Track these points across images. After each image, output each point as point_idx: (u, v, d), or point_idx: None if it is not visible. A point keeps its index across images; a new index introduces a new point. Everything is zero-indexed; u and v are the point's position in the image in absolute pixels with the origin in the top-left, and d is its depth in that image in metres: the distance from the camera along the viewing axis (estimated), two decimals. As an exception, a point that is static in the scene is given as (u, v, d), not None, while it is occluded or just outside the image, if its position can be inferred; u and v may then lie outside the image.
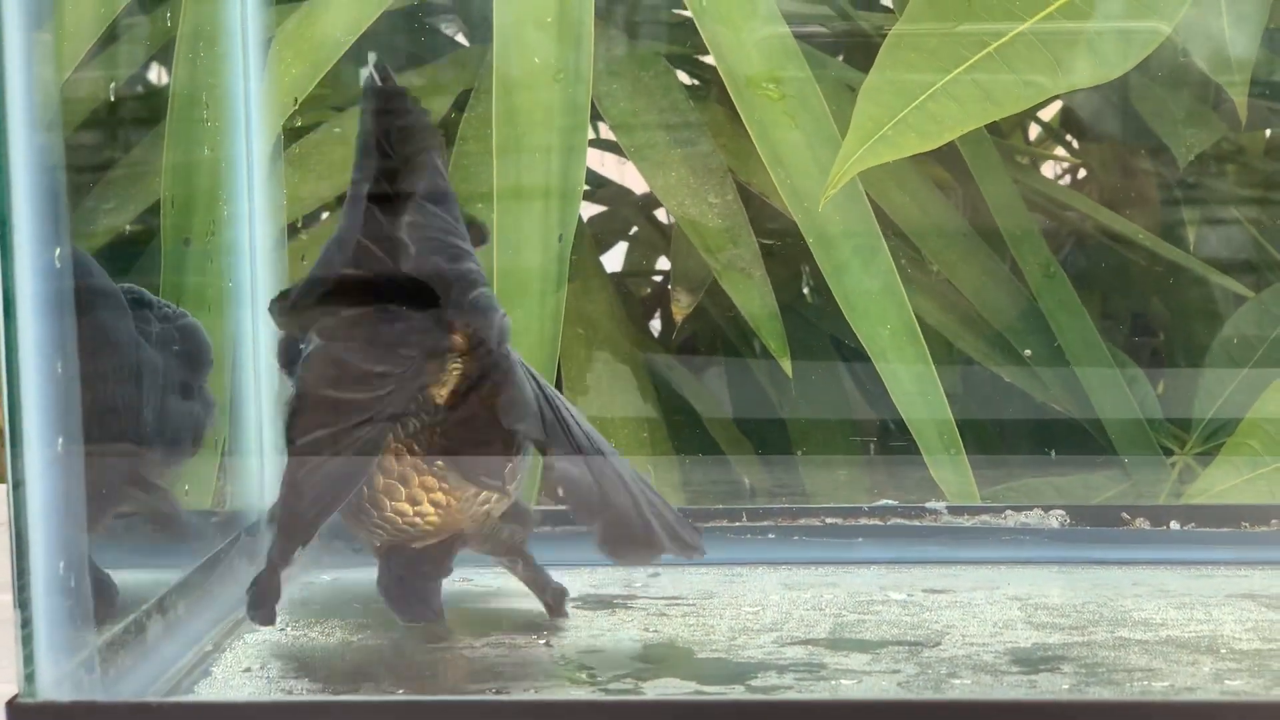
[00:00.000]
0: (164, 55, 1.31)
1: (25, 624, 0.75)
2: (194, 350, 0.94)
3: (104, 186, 1.28)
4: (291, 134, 1.30)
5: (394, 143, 0.88)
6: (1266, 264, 1.53)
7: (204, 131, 1.11)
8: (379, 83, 0.90)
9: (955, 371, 1.47)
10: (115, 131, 1.30)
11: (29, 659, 0.75)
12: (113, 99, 1.24)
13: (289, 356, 0.92)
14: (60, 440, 0.75)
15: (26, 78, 0.75)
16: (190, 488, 0.97)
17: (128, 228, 1.26)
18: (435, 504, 0.88)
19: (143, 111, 1.32)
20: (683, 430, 1.47)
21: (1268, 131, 1.56)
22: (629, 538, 0.86)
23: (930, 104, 1.15)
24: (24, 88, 0.75)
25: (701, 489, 1.46)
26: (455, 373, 0.87)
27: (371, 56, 0.94)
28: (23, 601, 0.75)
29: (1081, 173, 1.77)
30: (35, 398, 0.75)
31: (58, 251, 0.76)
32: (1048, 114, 1.77)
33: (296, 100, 1.19)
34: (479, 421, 0.87)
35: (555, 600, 0.93)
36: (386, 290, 0.86)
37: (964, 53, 1.15)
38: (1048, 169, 1.80)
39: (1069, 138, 1.78)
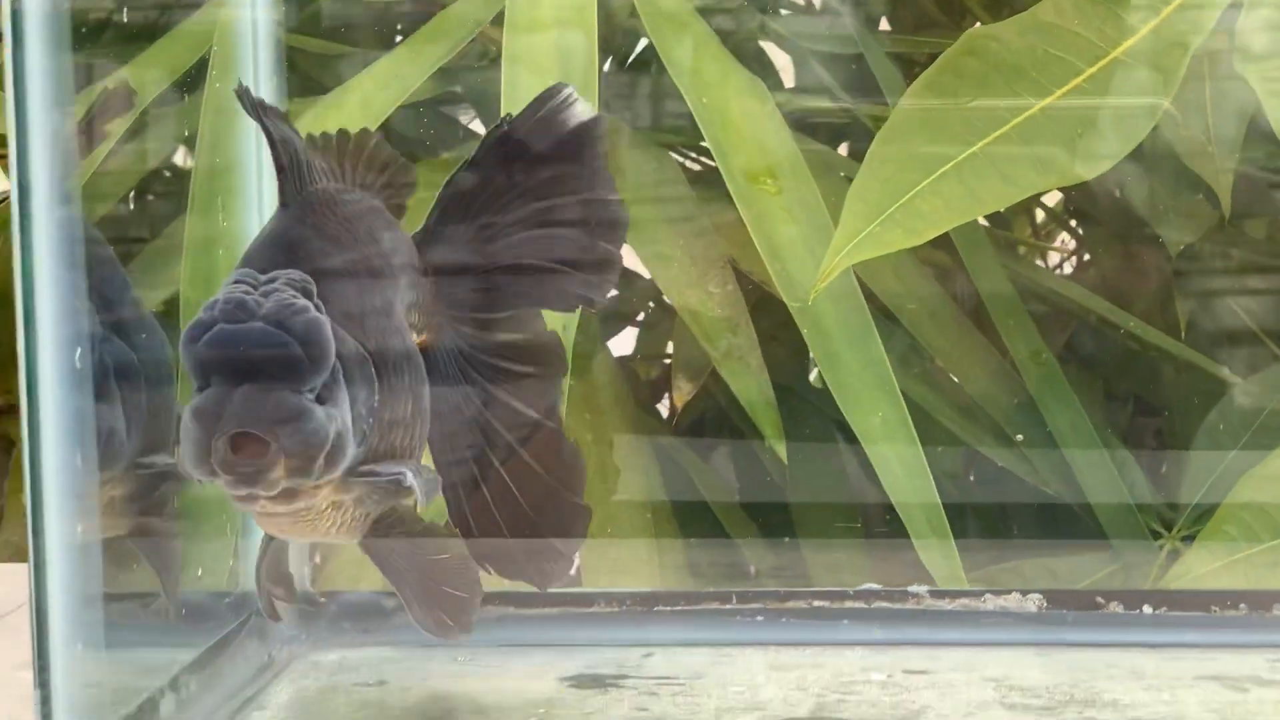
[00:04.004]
0: (189, 141, 1.37)
1: (44, 701, 0.80)
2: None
3: (134, 268, 1.34)
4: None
5: None
6: (1258, 347, 1.57)
7: (219, 220, 1.17)
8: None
9: (955, 454, 1.52)
10: (144, 213, 1.36)
11: (48, 736, 0.80)
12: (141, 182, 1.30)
13: None
14: (79, 528, 0.81)
15: (51, 152, 0.80)
16: (203, 571, 1.02)
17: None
18: None
19: (171, 195, 1.38)
20: (688, 512, 1.51)
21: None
22: None
23: (916, 202, 1.20)
24: (48, 162, 0.80)
25: (705, 571, 1.50)
26: None
27: None
28: (42, 681, 0.80)
29: (1086, 256, 1.82)
30: (55, 488, 0.80)
31: (79, 352, 0.81)
32: (1051, 199, 1.82)
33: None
34: None
35: None
36: None
37: (949, 152, 1.20)
38: (1053, 253, 1.84)
39: (1073, 223, 1.83)
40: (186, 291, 1.24)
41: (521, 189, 1.00)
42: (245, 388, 0.81)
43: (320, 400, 0.83)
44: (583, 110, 0.99)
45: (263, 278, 0.85)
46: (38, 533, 0.79)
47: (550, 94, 1.00)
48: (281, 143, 0.91)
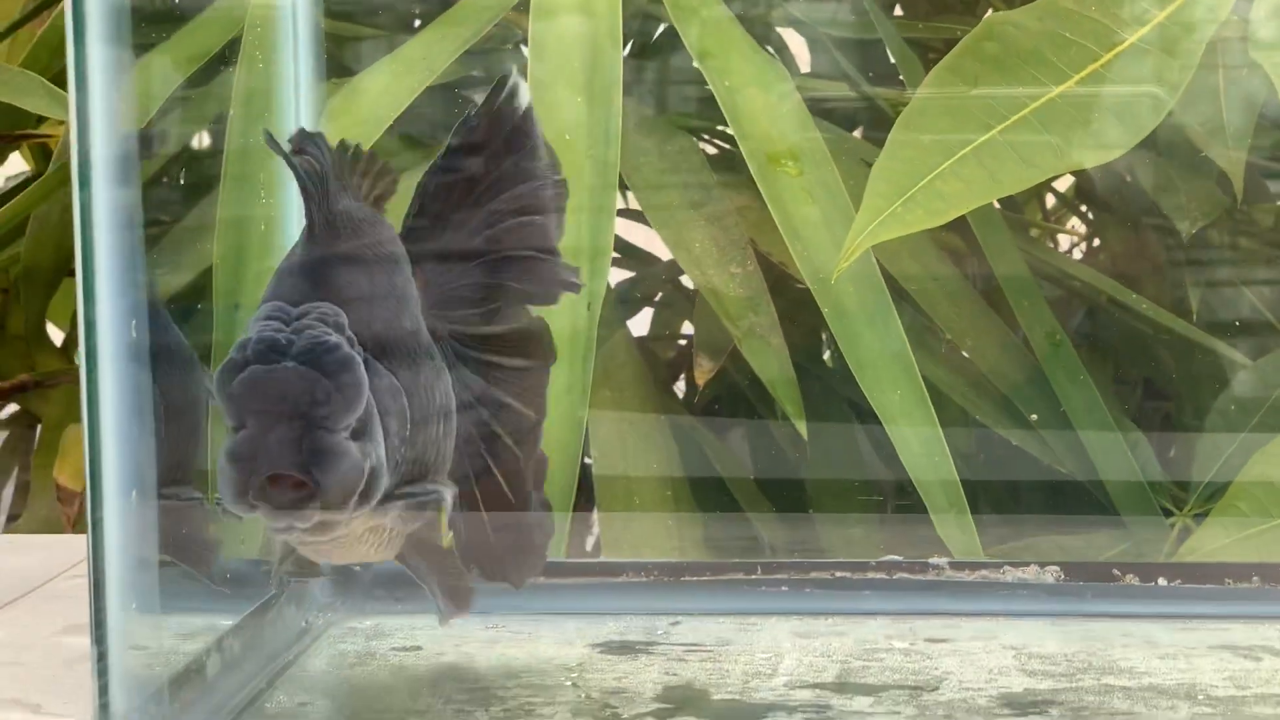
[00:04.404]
0: (213, 125, 1.39)
1: (101, 658, 0.83)
2: None
3: (161, 248, 1.36)
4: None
5: None
6: (1268, 331, 1.60)
7: (256, 200, 1.19)
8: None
9: (967, 434, 1.55)
10: (169, 196, 1.38)
11: (104, 690, 0.83)
12: (167, 164, 1.32)
13: None
14: (134, 492, 0.83)
15: (109, 133, 0.83)
16: (243, 540, 1.05)
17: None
18: None
19: (195, 177, 1.40)
20: (705, 489, 1.54)
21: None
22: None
23: (938, 183, 1.22)
24: (106, 141, 0.83)
25: (722, 545, 1.53)
26: None
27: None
28: (99, 638, 0.83)
29: (1096, 241, 1.85)
30: (113, 455, 0.82)
31: (134, 323, 0.84)
32: (1062, 184, 1.85)
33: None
34: None
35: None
36: None
37: (970, 135, 1.23)
38: (1063, 238, 1.87)
39: (1083, 208, 1.86)
40: (219, 271, 1.27)
41: (486, 182, 1.00)
42: (279, 429, 0.83)
43: (355, 436, 0.84)
44: (523, 97, 1.00)
45: (294, 311, 0.86)
46: (95, 498, 0.82)
47: (499, 85, 1.00)
48: (306, 171, 0.90)
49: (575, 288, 1.02)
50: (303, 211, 0.91)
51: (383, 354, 0.89)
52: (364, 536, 0.90)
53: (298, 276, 0.89)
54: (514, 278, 1.00)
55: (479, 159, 0.99)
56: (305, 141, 0.92)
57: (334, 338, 0.85)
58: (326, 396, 0.83)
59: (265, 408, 0.83)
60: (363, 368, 0.85)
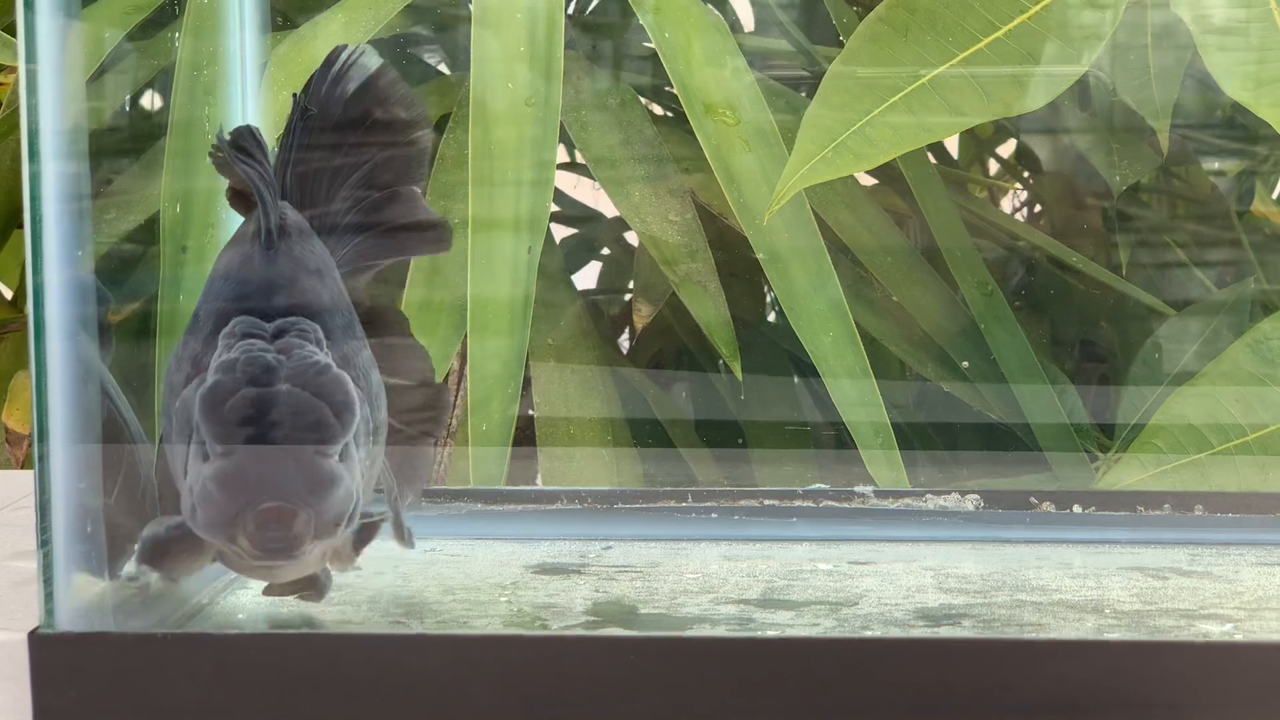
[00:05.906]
0: (150, 84, 1.42)
1: (47, 566, 0.86)
2: None
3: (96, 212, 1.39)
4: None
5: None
6: (1190, 284, 1.65)
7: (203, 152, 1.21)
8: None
9: (900, 384, 1.59)
10: (103, 161, 1.40)
11: (49, 596, 0.85)
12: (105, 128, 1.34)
13: None
14: (81, 418, 0.86)
15: (58, 108, 0.85)
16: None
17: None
18: None
19: (129, 141, 1.42)
20: (645, 433, 1.58)
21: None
22: None
23: (867, 129, 1.26)
24: (56, 116, 0.85)
25: (659, 483, 1.56)
26: None
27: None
28: (45, 547, 0.85)
29: (1037, 208, 1.89)
30: (59, 390, 0.86)
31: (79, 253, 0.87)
32: (1006, 150, 1.89)
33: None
34: None
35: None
36: None
37: (899, 84, 1.27)
38: (1006, 204, 1.91)
39: (1025, 174, 1.90)
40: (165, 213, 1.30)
41: (340, 162, 0.95)
42: (273, 454, 0.80)
43: (341, 458, 0.81)
44: (367, 63, 0.95)
45: (270, 327, 0.84)
46: (42, 421, 0.85)
47: (328, 62, 0.96)
48: (259, 177, 0.87)
49: (446, 237, 0.98)
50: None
51: (345, 367, 0.86)
52: (314, 553, 0.85)
53: (260, 288, 0.86)
54: (382, 253, 0.97)
55: (324, 144, 0.95)
56: (245, 140, 0.89)
57: (322, 357, 0.82)
58: (325, 422, 0.81)
59: (261, 433, 0.80)
60: (353, 388, 0.82)
